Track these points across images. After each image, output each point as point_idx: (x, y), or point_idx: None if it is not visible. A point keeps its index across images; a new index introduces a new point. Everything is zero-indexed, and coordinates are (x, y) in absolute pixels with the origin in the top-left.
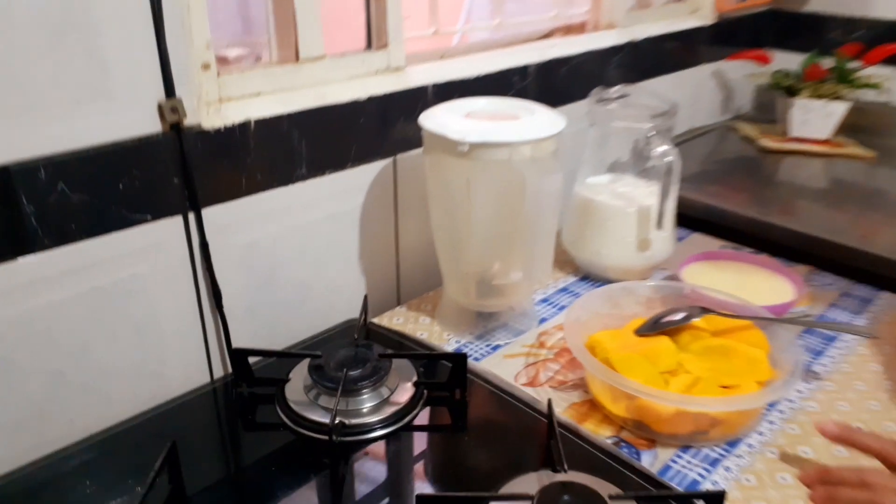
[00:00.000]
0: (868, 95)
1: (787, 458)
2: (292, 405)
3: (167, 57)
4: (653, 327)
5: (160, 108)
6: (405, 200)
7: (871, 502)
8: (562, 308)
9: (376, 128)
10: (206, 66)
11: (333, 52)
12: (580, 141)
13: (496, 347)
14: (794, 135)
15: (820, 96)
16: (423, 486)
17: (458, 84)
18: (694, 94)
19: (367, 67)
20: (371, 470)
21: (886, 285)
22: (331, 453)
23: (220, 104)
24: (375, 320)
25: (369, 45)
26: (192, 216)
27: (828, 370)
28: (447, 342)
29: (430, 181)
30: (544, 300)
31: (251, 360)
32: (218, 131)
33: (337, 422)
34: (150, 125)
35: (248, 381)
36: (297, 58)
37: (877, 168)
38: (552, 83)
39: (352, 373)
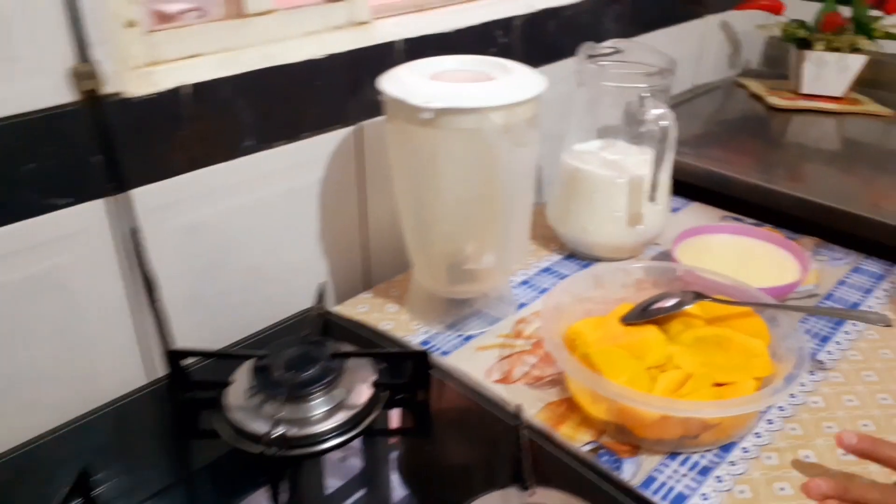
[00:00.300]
0: (889, 47)
1: (787, 465)
2: (231, 413)
3: (77, 12)
4: (640, 315)
5: (73, 74)
6: (373, 173)
7: None
8: (543, 291)
9: (337, 91)
10: (130, 24)
11: (287, 5)
12: (570, 103)
13: (469, 338)
14: (806, 91)
15: (836, 49)
16: (380, 500)
17: (432, 39)
18: (699, 48)
19: (326, 22)
20: (320, 483)
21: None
22: (268, 469)
23: (149, 68)
24: (337, 309)
25: None
26: (118, 198)
27: (834, 358)
28: (415, 333)
29: (392, 153)
30: (524, 282)
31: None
32: (146, 100)
33: (279, 433)
34: (60, 94)
35: (186, 385)
36: (242, 12)
37: (893, 126)
38: (540, 38)
39: (300, 375)
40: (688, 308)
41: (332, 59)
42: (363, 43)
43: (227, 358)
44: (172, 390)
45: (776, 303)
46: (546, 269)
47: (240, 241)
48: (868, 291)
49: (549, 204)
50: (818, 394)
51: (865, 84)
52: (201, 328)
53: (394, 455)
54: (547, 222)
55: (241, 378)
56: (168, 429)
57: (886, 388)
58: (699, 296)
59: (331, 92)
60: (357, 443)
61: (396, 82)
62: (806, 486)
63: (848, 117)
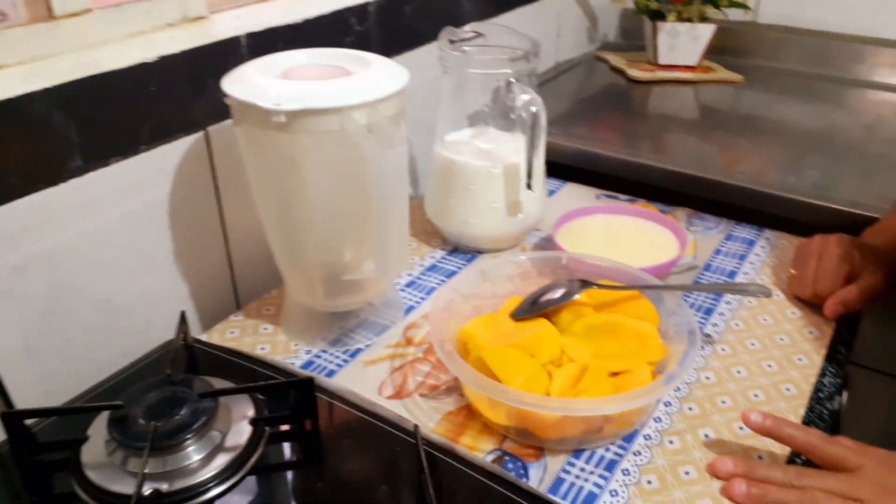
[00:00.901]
0: (735, 15)
1: (690, 447)
2: (89, 473)
3: None
4: (530, 309)
5: None
6: (228, 181)
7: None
8: (431, 291)
9: (177, 96)
10: None
11: (105, 3)
12: (437, 91)
13: (356, 353)
14: (663, 62)
15: (687, 19)
16: None
17: (281, 32)
18: (557, 24)
19: (155, 20)
20: None
21: (767, 222)
22: None
23: None
24: (205, 336)
25: None
26: None
27: (720, 330)
28: (295, 354)
29: (246, 160)
30: (411, 283)
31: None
32: None
33: (150, 491)
34: None
35: (31, 449)
36: (50, 14)
37: (745, 91)
38: (398, 24)
39: (165, 422)
40: (576, 298)
41: (166, 60)
42: (201, 41)
43: (74, 413)
44: (16, 456)
45: (661, 284)
46: (431, 267)
47: (81, 276)
48: (742, 258)
49: (426, 198)
50: (709, 369)
51: (717, 51)
52: (46, 380)
53: (286, 490)
54: (427, 216)
55: (99, 432)
56: (17, 498)
57: (770, 356)
58: (585, 283)
59: (170, 97)
60: (248, 483)
61: (242, 83)
62: (712, 465)
63: (703, 85)
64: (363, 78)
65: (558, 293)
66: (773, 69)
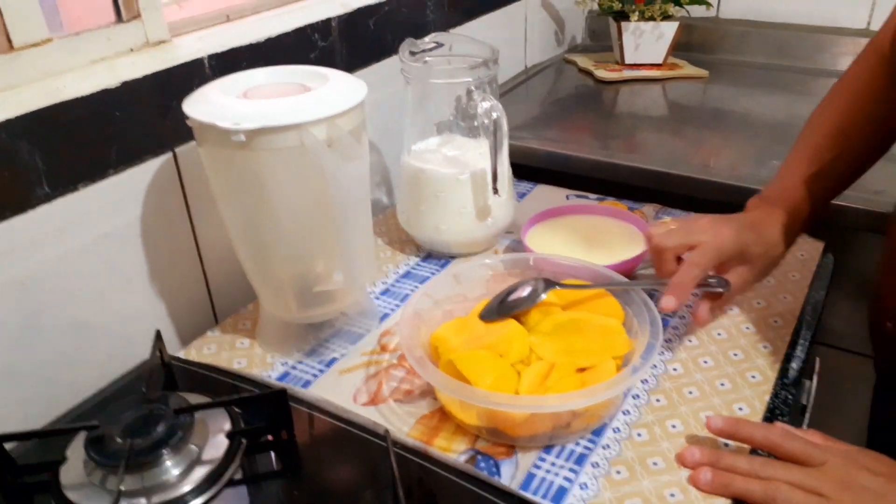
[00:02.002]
0: (696, 11)
1: (658, 438)
2: (69, 493)
3: None
4: (498, 310)
5: None
6: (199, 200)
7: (766, 495)
8: (405, 298)
9: (141, 119)
10: None
11: (66, 32)
12: (399, 102)
13: (331, 362)
14: (629, 61)
15: (650, 18)
16: None
17: (244, 51)
18: (524, 30)
19: (117, 46)
20: None
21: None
22: None
23: None
24: (182, 354)
25: (119, 17)
26: None
27: (687, 322)
28: (271, 367)
29: (211, 179)
30: (385, 291)
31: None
32: None
33: None
34: None
35: (11, 472)
36: (10, 45)
37: (710, 86)
38: (362, 38)
39: (141, 440)
40: (543, 298)
41: (129, 85)
42: (164, 64)
43: (51, 436)
44: None
45: (623, 281)
46: (406, 274)
47: (56, 300)
48: None
49: (398, 207)
50: (676, 360)
51: (682, 48)
52: (24, 404)
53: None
54: (400, 226)
55: (77, 452)
56: None
57: (736, 344)
58: (550, 283)
59: (135, 121)
60: (227, 495)
61: (203, 104)
62: (680, 454)
63: (670, 82)
64: (321, 93)
65: (525, 292)
66: (738, 63)
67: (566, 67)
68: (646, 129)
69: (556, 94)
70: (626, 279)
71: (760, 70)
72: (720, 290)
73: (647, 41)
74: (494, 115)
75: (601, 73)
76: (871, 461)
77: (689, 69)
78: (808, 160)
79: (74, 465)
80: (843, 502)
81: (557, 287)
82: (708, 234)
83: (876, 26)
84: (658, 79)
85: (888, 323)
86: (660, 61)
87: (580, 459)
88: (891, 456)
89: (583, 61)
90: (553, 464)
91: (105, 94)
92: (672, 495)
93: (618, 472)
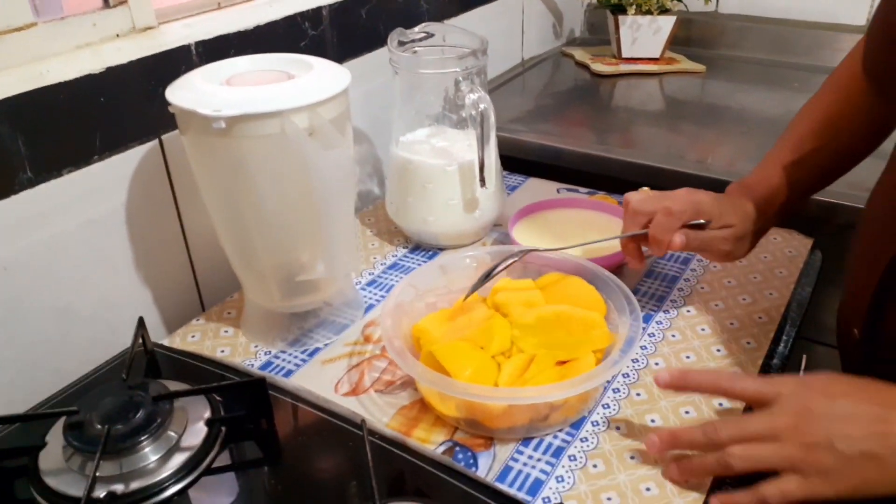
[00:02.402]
0: (695, 5)
1: (636, 432)
2: (47, 479)
3: None
4: (483, 282)
5: None
6: (185, 187)
7: (721, 464)
8: (391, 289)
9: (126, 106)
10: None
11: (51, 17)
12: (391, 93)
13: (314, 352)
14: (626, 55)
15: (647, 12)
16: None
17: (232, 39)
18: (521, 22)
19: (103, 31)
20: None
21: None
22: None
23: None
24: (166, 341)
25: (107, 2)
26: None
27: (671, 317)
28: (255, 356)
29: (194, 167)
30: (372, 282)
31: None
32: None
33: (102, 494)
34: None
35: None
36: None
37: (707, 81)
38: (354, 27)
39: (118, 426)
40: (515, 260)
41: (115, 71)
42: (150, 50)
43: (31, 420)
44: None
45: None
46: (393, 266)
47: (39, 285)
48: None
49: (387, 198)
50: (659, 355)
51: (680, 42)
52: (6, 388)
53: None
54: (389, 217)
55: (57, 438)
56: None
57: (720, 340)
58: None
59: (121, 107)
60: (205, 482)
61: (185, 90)
62: (646, 446)
63: (667, 76)
64: (303, 81)
65: (506, 262)
66: (736, 58)
67: (563, 60)
68: (642, 124)
69: (551, 87)
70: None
71: (758, 66)
72: (701, 221)
73: (645, 35)
74: (482, 106)
75: (598, 67)
76: (825, 384)
77: (686, 64)
78: (790, 149)
79: (53, 451)
80: (799, 437)
81: (534, 251)
82: (685, 197)
83: None
84: (655, 73)
85: (854, 329)
86: (657, 55)
87: (557, 452)
88: None
89: (580, 54)
90: (530, 456)
91: (89, 79)
92: (648, 489)
93: (594, 466)
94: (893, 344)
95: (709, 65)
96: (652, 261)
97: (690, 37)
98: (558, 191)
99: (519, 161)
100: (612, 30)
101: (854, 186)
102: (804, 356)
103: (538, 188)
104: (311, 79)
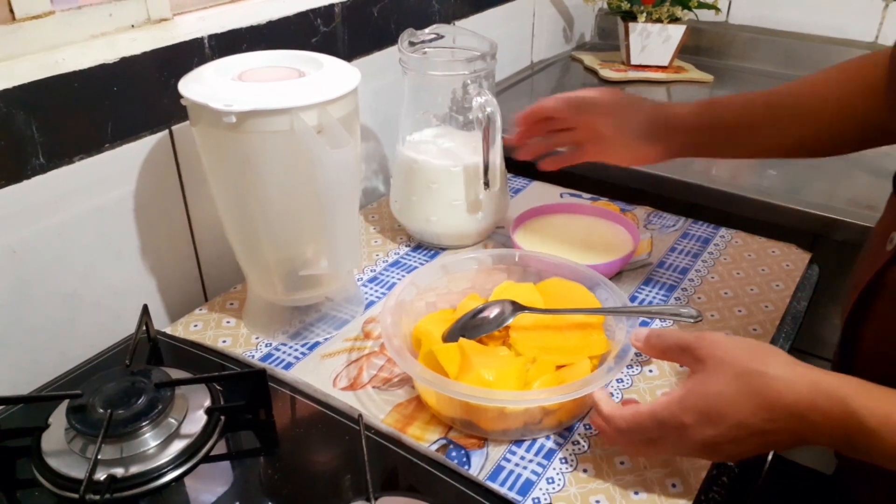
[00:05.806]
0: (705, 16)
1: None
2: (49, 460)
3: None
4: (461, 331)
5: None
6: (193, 178)
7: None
8: (392, 286)
9: (139, 96)
10: None
11: (68, 6)
12: (399, 91)
13: (314, 346)
14: (635, 62)
15: (658, 20)
16: None
17: (244, 33)
18: (531, 25)
19: (118, 22)
20: None
21: (723, 220)
22: None
23: None
24: (169, 329)
25: None
26: None
27: (667, 325)
28: (256, 347)
29: (204, 159)
30: (373, 279)
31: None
32: None
33: (103, 476)
34: None
35: None
36: (12, 17)
37: (715, 91)
38: (365, 25)
39: (120, 411)
40: (509, 322)
41: (128, 61)
42: (164, 42)
43: (35, 401)
44: None
45: (590, 309)
46: (394, 263)
47: (47, 270)
48: (696, 256)
49: (391, 196)
50: (653, 363)
51: (689, 51)
52: (13, 370)
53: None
54: (393, 215)
55: (59, 420)
56: None
57: None
58: (518, 307)
59: (133, 97)
60: (202, 470)
61: (198, 84)
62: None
63: (675, 85)
64: (314, 79)
65: (492, 314)
66: (744, 69)
67: (572, 65)
68: None
69: (559, 91)
70: (605, 275)
71: (766, 77)
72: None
73: (654, 43)
74: (488, 109)
75: (606, 73)
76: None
77: (694, 73)
78: (725, 102)
79: (56, 432)
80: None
81: (525, 312)
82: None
83: (884, 39)
84: (663, 81)
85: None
86: (665, 63)
87: (549, 454)
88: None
89: (589, 60)
90: (522, 457)
91: (103, 68)
92: (636, 493)
93: (584, 471)
94: (867, 365)
95: (717, 75)
96: (651, 268)
97: (700, 46)
98: (561, 195)
99: (521, 163)
100: (622, 36)
101: (854, 203)
102: None
103: (541, 192)
104: (321, 77)
